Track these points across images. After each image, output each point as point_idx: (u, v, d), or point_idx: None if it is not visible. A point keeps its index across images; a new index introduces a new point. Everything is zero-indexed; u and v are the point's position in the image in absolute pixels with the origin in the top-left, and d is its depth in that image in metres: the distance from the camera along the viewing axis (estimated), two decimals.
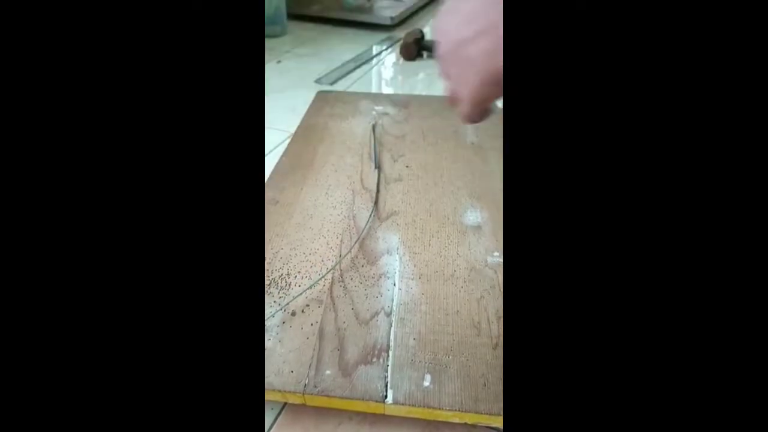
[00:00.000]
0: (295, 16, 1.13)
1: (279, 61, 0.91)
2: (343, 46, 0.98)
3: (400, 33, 1.01)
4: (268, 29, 1.03)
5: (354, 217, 0.43)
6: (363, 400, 0.28)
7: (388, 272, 0.37)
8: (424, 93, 0.76)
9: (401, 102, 0.64)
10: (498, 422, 0.27)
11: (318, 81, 0.82)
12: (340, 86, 0.80)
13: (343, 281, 0.36)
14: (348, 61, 0.90)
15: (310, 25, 1.12)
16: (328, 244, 0.39)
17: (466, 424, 0.29)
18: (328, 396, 0.28)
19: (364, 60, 0.91)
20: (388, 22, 1.07)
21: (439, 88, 0.78)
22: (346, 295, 0.35)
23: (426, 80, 0.84)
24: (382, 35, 1.04)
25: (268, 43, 1.00)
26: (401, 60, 0.91)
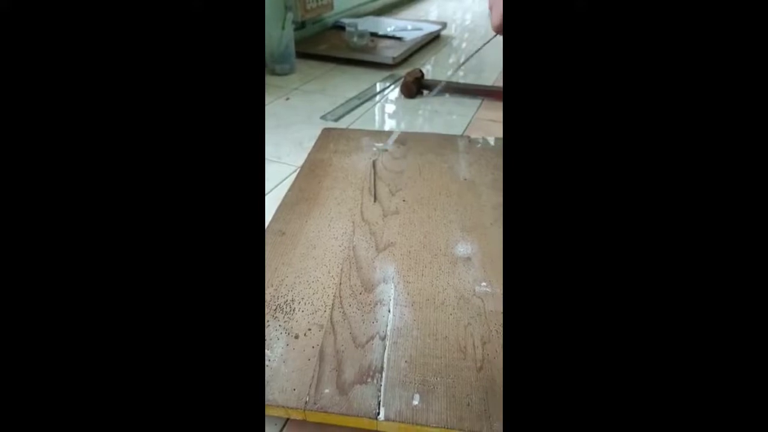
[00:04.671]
0: (304, 54, 1.20)
1: (287, 98, 0.97)
2: (348, 84, 1.04)
3: (402, 71, 1.07)
4: (277, 68, 1.10)
5: (354, 248, 0.46)
6: (358, 416, 0.31)
7: (383, 299, 0.40)
8: (425, 128, 0.81)
9: (399, 139, 0.69)
10: None
11: (323, 117, 0.88)
12: (344, 122, 0.85)
13: (342, 307, 0.39)
14: (352, 98, 0.96)
15: (317, 64, 1.18)
16: (329, 272, 0.43)
17: None
18: (326, 412, 0.31)
19: (367, 97, 0.97)
20: (390, 62, 1.14)
21: (436, 124, 0.83)
22: (344, 320, 0.38)
23: (425, 116, 0.89)
24: (385, 73, 1.11)
25: (278, 81, 1.06)
26: (402, 97, 0.96)
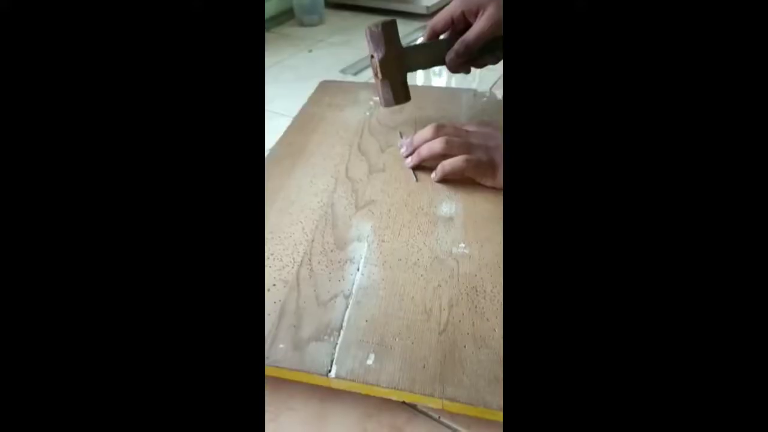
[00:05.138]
0: (335, 5, 1.14)
1: (311, 51, 0.93)
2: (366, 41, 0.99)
3: None
4: (305, 18, 1.06)
5: (333, 205, 0.45)
6: (309, 372, 0.30)
7: (354, 258, 0.39)
8: (448, 83, 0.76)
9: None
10: (432, 403, 0.29)
11: (343, 71, 0.84)
12: (364, 76, 0.82)
13: (311, 264, 0.38)
14: None
15: (348, 15, 1.12)
16: (303, 229, 0.42)
17: (404, 402, 0.31)
18: (278, 367, 0.30)
19: None
20: (425, 11, 1.07)
21: (461, 78, 0.77)
22: (311, 277, 0.37)
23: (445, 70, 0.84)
24: (418, 24, 1.04)
25: (304, 33, 1.02)
26: None
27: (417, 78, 0.80)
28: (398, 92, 0.52)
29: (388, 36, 0.50)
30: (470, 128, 0.49)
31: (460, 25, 0.52)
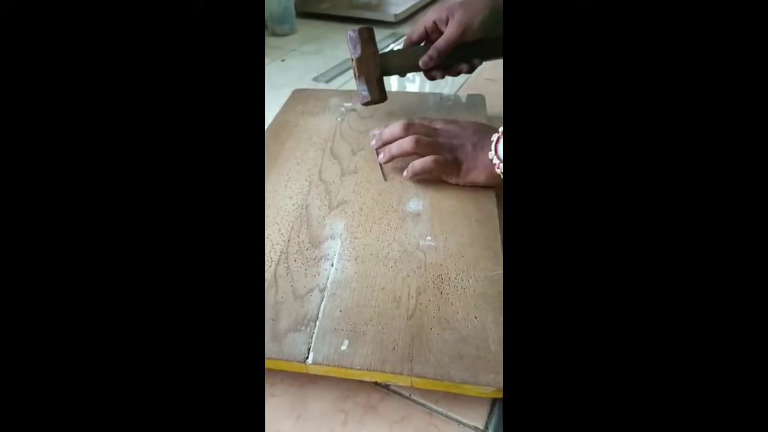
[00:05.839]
0: (305, 14, 1.17)
1: (283, 60, 0.95)
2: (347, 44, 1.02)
3: (405, 29, 1.04)
4: (276, 28, 1.07)
5: (307, 206, 0.47)
6: (288, 360, 0.32)
7: (328, 255, 0.41)
8: (415, 87, 0.79)
9: None
10: (402, 381, 0.32)
11: (315, 79, 0.86)
12: (336, 83, 0.84)
13: (287, 262, 0.40)
14: (347, 59, 0.94)
15: (319, 23, 1.15)
16: (279, 230, 0.44)
17: (377, 383, 0.33)
18: None
19: None
20: (393, 19, 1.10)
21: (429, 82, 0.81)
22: (287, 274, 0.39)
23: (420, 74, 0.87)
24: (387, 32, 1.07)
25: (277, 42, 1.04)
26: None
27: (392, 84, 0.83)
28: (373, 90, 0.57)
29: (363, 38, 0.56)
30: (438, 125, 0.51)
31: (434, 34, 0.56)
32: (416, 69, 0.57)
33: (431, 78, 0.58)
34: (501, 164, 0.45)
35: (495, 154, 0.45)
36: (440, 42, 0.54)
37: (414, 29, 0.58)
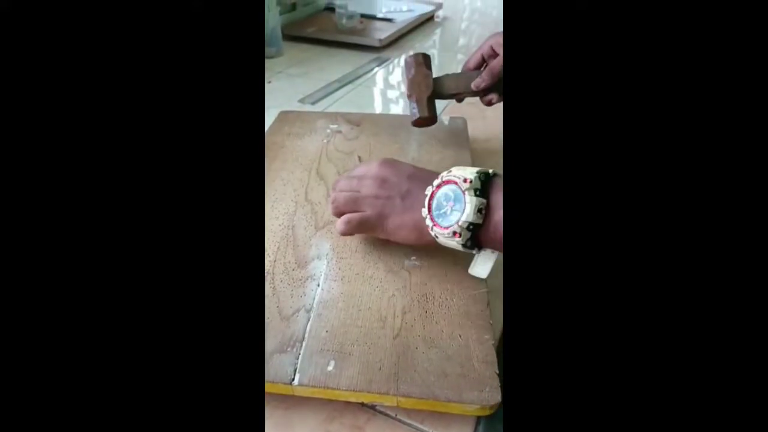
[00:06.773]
0: (293, 37, 1.19)
1: (269, 82, 0.97)
2: (333, 67, 1.05)
3: (390, 54, 1.06)
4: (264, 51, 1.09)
5: (293, 227, 0.48)
6: (273, 382, 0.32)
7: (315, 275, 0.42)
8: (397, 110, 0.81)
9: (354, 120, 0.70)
10: (388, 401, 0.32)
11: (302, 101, 0.88)
12: (322, 105, 0.86)
13: (273, 283, 0.41)
14: (333, 82, 0.96)
15: (306, 47, 1.18)
16: (266, 251, 0.44)
17: (363, 404, 0.33)
18: None
19: (348, 80, 0.98)
20: (377, 44, 1.13)
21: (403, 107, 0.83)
22: (274, 295, 0.39)
23: (403, 97, 0.89)
24: (372, 56, 1.10)
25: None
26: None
27: (375, 107, 0.85)
28: (423, 108, 0.58)
29: (418, 61, 0.59)
30: (372, 170, 0.42)
31: (490, 59, 0.57)
32: (469, 91, 0.58)
33: (488, 103, 0.59)
34: (435, 226, 0.36)
35: (429, 213, 0.37)
36: (495, 63, 0.54)
37: (470, 58, 0.59)
